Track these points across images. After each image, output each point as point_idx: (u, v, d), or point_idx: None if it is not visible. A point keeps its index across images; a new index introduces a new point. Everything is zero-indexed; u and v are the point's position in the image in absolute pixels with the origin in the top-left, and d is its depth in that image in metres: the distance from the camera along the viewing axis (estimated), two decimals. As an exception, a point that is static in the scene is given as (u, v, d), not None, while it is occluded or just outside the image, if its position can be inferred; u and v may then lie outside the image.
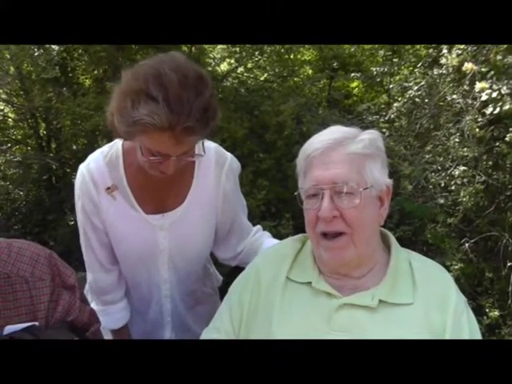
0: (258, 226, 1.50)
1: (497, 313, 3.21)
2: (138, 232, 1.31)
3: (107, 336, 1.41)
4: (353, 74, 4.91)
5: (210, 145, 1.33)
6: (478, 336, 1.02)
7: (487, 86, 2.95)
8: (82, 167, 1.31)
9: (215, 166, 1.33)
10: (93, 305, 1.38)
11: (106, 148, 1.33)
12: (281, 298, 1.06)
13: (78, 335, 0.98)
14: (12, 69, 4.42)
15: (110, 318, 1.38)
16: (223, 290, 1.29)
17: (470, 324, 1.01)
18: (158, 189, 1.29)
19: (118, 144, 1.31)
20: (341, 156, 1.00)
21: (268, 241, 1.44)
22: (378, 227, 1.07)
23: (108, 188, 1.28)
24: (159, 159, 1.14)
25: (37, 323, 0.94)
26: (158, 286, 1.39)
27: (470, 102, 3.25)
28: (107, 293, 1.38)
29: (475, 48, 3.31)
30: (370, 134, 1.05)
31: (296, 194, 1.07)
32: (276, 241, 1.43)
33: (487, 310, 3.26)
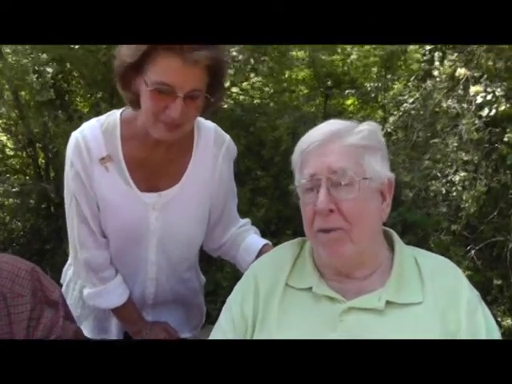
0: (247, 220, 1.45)
1: (510, 321, 3.12)
2: (129, 209, 1.24)
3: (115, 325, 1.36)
4: (347, 91, 4.92)
5: (210, 124, 1.32)
6: (495, 331, 0.95)
7: (481, 88, 2.96)
8: (76, 133, 1.23)
9: (213, 145, 1.29)
10: (89, 289, 1.31)
11: (102, 116, 1.26)
12: (278, 307, 0.99)
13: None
14: (7, 94, 4.40)
15: (113, 294, 1.31)
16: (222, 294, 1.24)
17: (486, 319, 0.94)
18: (154, 165, 1.24)
19: (115, 114, 1.26)
20: (338, 147, 0.95)
21: (251, 237, 1.39)
22: (380, 224, 1.01)
23: (102, 158, 1.22)
24: (165, 102, 1.09)
25: None
26: (144, 269, 1.32)
27: (465, 106, 3.25)
28: (104, 269, 1.30)
29: (466, 55, 3.32)
30: (369, 126, 0.99)
31: (294, 188, 1.01)
32: (259, 238, 1.40)
33: (499, 319, 3.16)
